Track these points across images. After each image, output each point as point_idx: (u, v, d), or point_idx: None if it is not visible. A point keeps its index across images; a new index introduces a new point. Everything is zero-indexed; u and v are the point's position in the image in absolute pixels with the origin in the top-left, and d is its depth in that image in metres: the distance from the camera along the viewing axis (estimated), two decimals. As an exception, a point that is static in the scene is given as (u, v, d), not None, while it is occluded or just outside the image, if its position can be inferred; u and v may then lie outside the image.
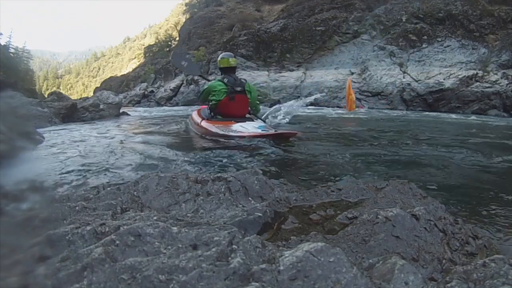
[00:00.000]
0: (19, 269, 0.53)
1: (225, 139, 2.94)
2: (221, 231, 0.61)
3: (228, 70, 3.39)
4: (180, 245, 0.58)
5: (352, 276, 0.51)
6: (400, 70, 12.00)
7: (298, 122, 5.24)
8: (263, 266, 0.52)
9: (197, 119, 3.55)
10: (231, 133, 2.98)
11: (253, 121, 3.34)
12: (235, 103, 3.28)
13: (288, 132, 3.01)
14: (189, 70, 4.29)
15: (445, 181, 1.91)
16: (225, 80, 3.29)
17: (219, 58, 3.55)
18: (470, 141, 3.83)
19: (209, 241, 0.58)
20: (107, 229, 0.65)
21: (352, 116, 7.75)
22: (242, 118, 3.31)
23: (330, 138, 3.69)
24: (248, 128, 3.02)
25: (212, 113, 3.43)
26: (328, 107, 11.38)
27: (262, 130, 3.00)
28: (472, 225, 0.94)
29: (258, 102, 3.63)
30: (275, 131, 3.01)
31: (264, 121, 3.60)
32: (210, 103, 3.40)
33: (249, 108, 3.51)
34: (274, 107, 4.54)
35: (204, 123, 3.32)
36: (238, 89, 3.29)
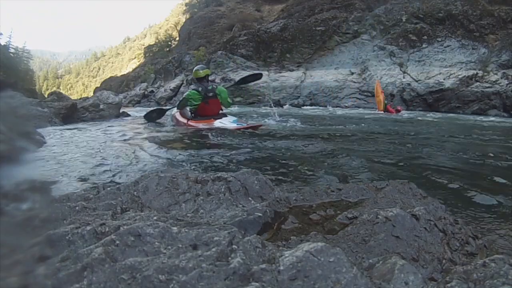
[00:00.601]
0: (19, 269, 0.53)
1: (211, 133, 3.67)
2: (221, 231, 0.61)
3: (201, 80, 4.26)
4: (180, 245, 0.58)
5: (352, 276, 0.51)
6: (400, 70, 12.00)
7: (310, 121, 5.24)
8: (263, 266, 0.52)
9: (183, 119, 4.38)
10: (212, 126, 3.90)
11: (227, 116, 4.19)
12: (209, 106, 4.19)
13: (256, 125, 3.96)
14: (159, 116, 5.13)
15: (445, 181, 1.91)
16: (199, 89, 4.16)
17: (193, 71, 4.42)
18: (470, 141, 3.83)
19: (209, 241, 0.58)
20: (107, 229, 0.65)
21: (366, 116, 7.74)
22: (217, 116, 4.18)
23: (331, 138, 3.70)
24: (226, 123, 3.94)
25: (193, 114, 4.31)
26: (328, 107, 11.39)
27: (237, 124, 3.91)
28: (472, 225, 0.95)
29: (228, 100, 4.42)
30: (247, 124, 3.93)
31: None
32: (191, 107, 4.29)
33: (222, 106, 4.38)
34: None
35: (191, 122, 4.19)
36: (210, 94, 4.17)
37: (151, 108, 5.30)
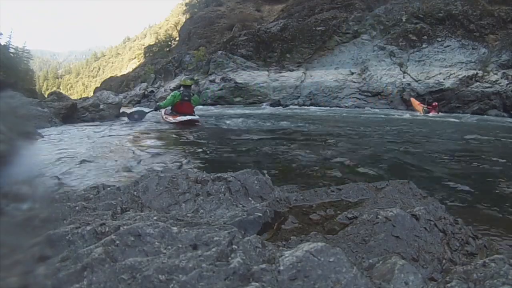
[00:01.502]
0: (19, 269, 0.53)
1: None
2: (221, 231, 0.61)
3: (186, 87, 5.73)
4: (180, 245, 0.58)
5: (352, 276, 0.51)
6: (400, 70, 12.00)
7: (311, 121, 5.24)
8: (263, 266, 0.52)
9: (163, 114, 5.81)
10: (174, 120, 5.18)
11: (192, 116, 5.38)
12: (182, 106, 5.53)
13: (195, 120, 5.27)
14: (141, 117, 5.92)
15: (445, 181, 1.91)
16: (182, 92, 5.61)
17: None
18: (470, 141, 3.83)
19: (209, 241, 0.58)
20: (107, 229, 0.65)
21: (367, 116, 7.85)
22: (187, 114, 5.37)
23: (330, 139, 3.70)
24: (183, 118, 5.12)
25: (171, 111, 5.66)
26: (328, 107, 11.40)
27: (188, 119, 5.12)
28: (472, 225, 0.95)
29: (198, 102, 6.01)
30: (190, 119, 5.17)
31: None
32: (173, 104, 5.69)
33: (193, 110, 5.72)
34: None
35: (165, 116, 5.62)
36: (186, 98, 5.59)
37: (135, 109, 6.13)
